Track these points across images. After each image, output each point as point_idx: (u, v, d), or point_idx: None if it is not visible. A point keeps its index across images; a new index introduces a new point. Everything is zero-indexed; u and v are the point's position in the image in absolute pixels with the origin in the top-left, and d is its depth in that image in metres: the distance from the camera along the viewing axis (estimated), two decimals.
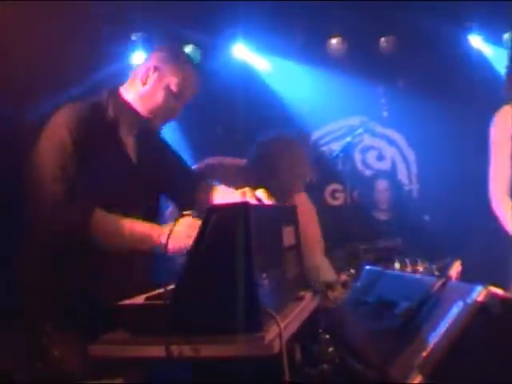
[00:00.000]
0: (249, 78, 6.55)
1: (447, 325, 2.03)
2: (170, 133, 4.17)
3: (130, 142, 3.03)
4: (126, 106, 3.00)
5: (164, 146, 3.29)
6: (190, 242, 2.19)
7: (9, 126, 3.39)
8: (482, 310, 1.99)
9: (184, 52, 3.29)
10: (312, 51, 6.59)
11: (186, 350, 2.04)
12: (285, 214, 2.73)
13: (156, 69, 3.00)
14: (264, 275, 2.12)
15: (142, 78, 3.01)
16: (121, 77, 3.21)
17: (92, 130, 2.84)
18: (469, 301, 2.03)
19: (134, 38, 6.23)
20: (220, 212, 2.09)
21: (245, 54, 6.44)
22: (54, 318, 2.76)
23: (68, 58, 3.94)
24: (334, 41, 6.57)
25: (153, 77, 3.00)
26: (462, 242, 5.84)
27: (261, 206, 2.67)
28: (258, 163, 3.94)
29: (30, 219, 2.89)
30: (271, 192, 2.84)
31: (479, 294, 2.02)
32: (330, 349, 4.52)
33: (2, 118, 3.41)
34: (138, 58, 6.25)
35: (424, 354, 2.01)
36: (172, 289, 2.15)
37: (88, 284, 2.81)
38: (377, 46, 6.64)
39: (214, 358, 2.04)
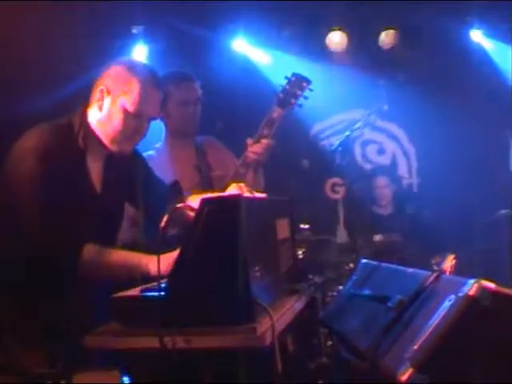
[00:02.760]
0: (249, 71, 6.55)
1: (439, 318, 2.04)
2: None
3: (96, 171, 2.85)
4: (92, 134, 2.80)
5: (135, 163, 3.09)
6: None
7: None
8: (473, 304, 2.00)
9: (138, 63, 2.93)
10: (312, 45, 6.59)
11: (179, 342, 2.05)
12: (279, 206, 2.74)
13: (109, 91, 2.75)
14: (257, 268, 2.13)
15: (97, 102, 2.78)
16: None
17: (60, 159, 2.66)
18: (460, 294, 2.04)
19: (134, 31, 6.24)
20: (213, 204, 2.10)
21: (245, 47, 6.44)
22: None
23: (67, 52, 3.93)
24: (334, 34, 6.56)
25: (106, 101, 2.76)
26: (461, 237, 5.86)
27: (254, 199, 2.65)
28: None
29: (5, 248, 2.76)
30: None
31: (471, 287, 2.03)
32: (330, 342, 4.55)
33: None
34: (139, 51, 6.27)
35: (415, 346, 2.01)
36: (166, 281, 2.17)
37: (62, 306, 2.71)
38: (377, 40, 6.63)
39: (206, 349, 2.05)
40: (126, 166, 2.97)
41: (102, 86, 2.77)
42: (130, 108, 2.74)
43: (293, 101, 3.62)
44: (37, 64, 3.78)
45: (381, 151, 7.11)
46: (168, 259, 2.32)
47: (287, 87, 3.64)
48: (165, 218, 2.23)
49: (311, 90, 3.66)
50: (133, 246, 2.84)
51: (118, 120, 2.75)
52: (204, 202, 2.10)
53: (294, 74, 3.67)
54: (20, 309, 2.71)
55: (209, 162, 4.03)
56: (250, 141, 3.63)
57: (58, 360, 2.48)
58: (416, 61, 6.72)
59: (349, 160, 4.67)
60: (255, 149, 3.59)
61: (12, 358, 2.55)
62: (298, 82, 3.65)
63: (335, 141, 5.06)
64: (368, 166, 7.04)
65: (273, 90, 3.73)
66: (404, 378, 1.97)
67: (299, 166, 6.63)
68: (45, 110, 2.88)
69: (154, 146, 4.07)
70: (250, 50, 6.48)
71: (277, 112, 3.59)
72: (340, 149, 4.80)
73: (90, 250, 2.64)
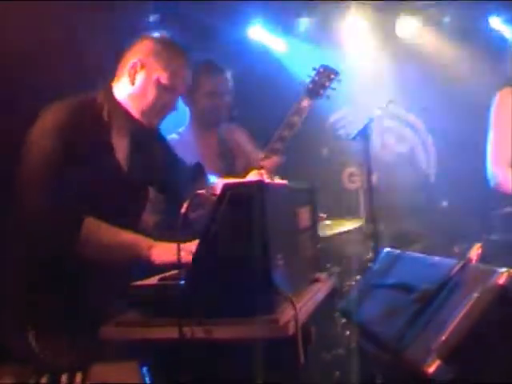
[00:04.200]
0: (265, 60, 6.50)
1: (466, 308, 1.99)
2: (184, 115, 4.16)
3: (121, 146, 2.83)
4: (120, 108, 2.83)
5: (159, 146, 3.12)
6: (174, 259, 2.13)
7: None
8: (502, 293, 1.95)
9: (172, 40, 2.98)
10: (329, 32, 6.52)
11: (199, 332, 2.01)
12: (300, 194, 2.68)
13: (143, 65, 2.79)
14: (279, 256, 2.08)
15: (129, 76, 2.80)
16: None
17: (82, 135, 2.66)
18: (489, 283, 1.99)
19: (151, 19, 6.19)
20: (235, 189, 2.05)
21: (261, 35, 6.38)
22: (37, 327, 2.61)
23: (81, 41, 3.88)
24: (351, 21, 6.47)
25: (140, 74, 2.80)
26: (480, 227, 5.79)
27: (276, 185, 2.61)
28: None
29: (14, 229, 2.71)
30: None
31: (499, 276, 1.99)
32: (347, 332, 4.51)
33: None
34: None
35: (442, 337, 1.97)
36: (185, 269, 2.12)
37: (73, 293, 2.64)
38: (394, 27, 6.56)
39: (227, 340, 2.01)
40: (150, 145, 2.99)
41: (134, 60, 2.80)
42: (166, 82, 2.79)
43: (321, 91, 3.64)
44: (48, 57, 3.73)
45: (399, 140, 7.04)
46: (167, 253, 2.30)
47: (316, 78, 3.66)
48: (185, 204, 2.19)
49: (339, 81, 3.68)
50: (155, 231, 2.79)
51: (152, 94, 2.80)
52: (226, 187, 2.05)
53: (322, 65, 3.69)
54: (37, 298, 2.66)
55: (232, 150, 4.03)
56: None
57: (75, 351, 2.45)
58: (435, 49, 6.64)
59: (368, 149, 4.61)
60: (282, 138, 3.59)
61: (30, 348, 2.52)
62: (327, 73, 3.67)
63: (352, 130, 5.00)
64: (386, 156, 6.97)
65: (289, 77, 3.74)
66: (431, 369, 1.92)
67: (316, 154, 6.58)
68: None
69: (177, 130, 4.08)
70: (267, 38, 6.42)
71: (305, 102, 3.60)
72: (359, 138, 4.74)
73: (88, 225, 2.59)
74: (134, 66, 2.79)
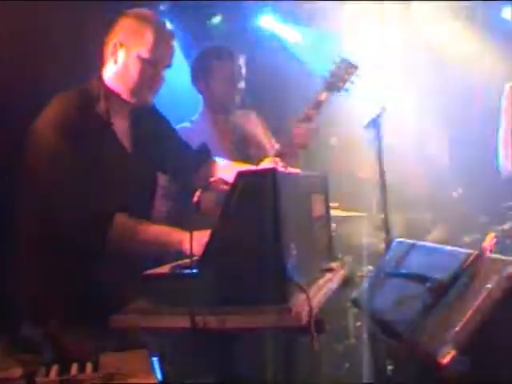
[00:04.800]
0: (277, 49, 6.47)
1: (481, 298, 1.98)
2: (197, 104, 4.15)
3: (123, 131, 2.85)
4: (113, 93, 2.81)
5: (160, 124, 3.12)
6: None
7: None
8: None
9: (147, 12, 2.88)
10: (341, 20, 6.49)
11: (212, 321, 2.00)
12: (314, 183, 2.67)
13: (122, 43, 2.77)
14: (292, 245, 2.07)
15: (112, 56, 2.79)
16: None
17: (82, 124, 2.64)
18: (504, 274, 1.98)
19: (162, 7, 6.17)
20: (248, 177, 2.03)
21: (273, 24, 6.35)
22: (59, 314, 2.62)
23: (96, 30, 3.85)
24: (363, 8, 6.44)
25: (121, 53, 2.78)
26: (492, 217, 5.76)
27: (290, 174, 2.59)
28: None
29: (33, 225, 2.72)
30: None
31: None
32: (358, 323, 4.50)
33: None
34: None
35: (457, 328, 1.96)
36: (198, 258, 2.10)
37: (88, 282, 2.64)
38: (408, 15, 6.52)
39: (239, 329, 1.99)
40: (152, 125, 2.99)
41: (114, 40, 2.79)
42: (145, 55, 2.76)
43: (340, 85, 3.64)
44: (69, 45, 3.71)
45: (410, 131, 7.01)
46: (203, 237, 2.27)
47: (335, 71, 3.65)
48: (198, 193, 2.17)
49: (359, 75, 3.67)
50: (167, 217, 2.78)
51: (134, 69, 2.78)
52: (239, 175, 2.03)
53: (342, 59, 3.68)
54: (52, 286, 2.68)
55: (246, 139, 4.01)
56: (294, 122, 3.64)
57: (90, 340, 2.45)
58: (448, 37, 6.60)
59: (379, 138, 4.58)
60: (301, 131, 3.62)
61: (44, 337, 2.52)
62: (347, 67, 3.66)
63: (364, 119, 4.98)
64: (397, 146, 6.94)
65: (301, 66, 3.73)
66: (445, 360, 1.91)
67: (328, 143, 6.56)
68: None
69: (190, 118, 4.06)
70: (279, 27, 6.39)
71: (324, 95, 3.62)
72: (371, 127, 4.73)
73: (120, 223, 2.59)
74: (114, 46, 2.78)
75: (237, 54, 4.02)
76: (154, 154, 2.97)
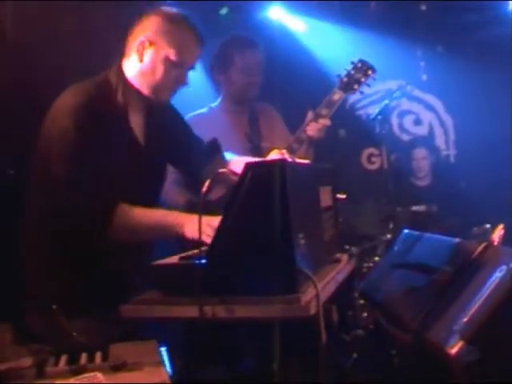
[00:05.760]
0: (285, 39, 6.46)
1: (490, 289, 1.98)
2: (205, 96, 4.15)
3: (138, 124, 2.85)
4: (132, 88, 2.81)
5: (175, 120, 3.13)
6: (209, 231, 2.22)
7: None
8: None
9: (179, 15, 2.85)
10: (350, 12, 6.47)
11: (220, 311, 2.01)
12: (321, 174, 2.67)
13: (151, 42, 2.76)
14: (301, 235, 2.07)
15: (137, 53, 2.77)
16: None
17: (100, 117, 2.64)
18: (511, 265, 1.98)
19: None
20: (257, 168, 2.03)
21: (281, 15, 6.34)
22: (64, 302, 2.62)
23: (99, 25, 3.85)
24: (372, 2, 6.43)
25: (149, 51, 2.76)
26: (499, 209, 5.75)
27: (298, 165, 2.59)
28: None
29: (39, 215, 2.74)
30: None
31: None
32: (365, 314, 4.50)
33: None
34: None
35: (465, 319, 1.95)
36: (206, 248, 2.11)
37: (97, 271, 2.67)
38: (416, 9, 6.50)
39: (248, 319, 2.00)
40: (166, 119, 2.99)
41: (142, 38, 2.77)
42: (174, 58, 2.76)
43: (355, 86, 3.66)
44: (80, 40, 3.73)
45: (418, 122, 6.99)
46: (208, 222, 2.28)
47: (352, 72, 3.67)
48: (206, 183, 2.17)
49: (375, 79, 3.69)
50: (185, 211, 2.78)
51: (160, 71, 2.77)
52: (248, 166, 2.04)
53: (360, 60, 3.69)
54: (61, 275, 2.70)
55: (261, 131, 4.03)
56: (310, 114, 3.66)
57: (99, 330, 2.46)
58: (455, 30, 6.58)
59: (387, 130, 4.58)
60: (313, 127, 3.63)
61: (54, 326, 2.53)
62: (363, 69, 3.67)
63: (372, 111, 4.98)
64: (405, 137, 6.93)
65: (310, 58, 3.72)
66: (453, 351, 1.91)
67: (336, 135, 6.55)
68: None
69: (209, 105, 4.10)
70: (286, 18, 6.37)
71: (338, 94, 3.63)
72: (379, 118, 4.72)
73: (121, 211, 2.60)
74: (142, 43, 2.76)
75: (257, 42, 4.03)
76: (167, 148, 2.97)
